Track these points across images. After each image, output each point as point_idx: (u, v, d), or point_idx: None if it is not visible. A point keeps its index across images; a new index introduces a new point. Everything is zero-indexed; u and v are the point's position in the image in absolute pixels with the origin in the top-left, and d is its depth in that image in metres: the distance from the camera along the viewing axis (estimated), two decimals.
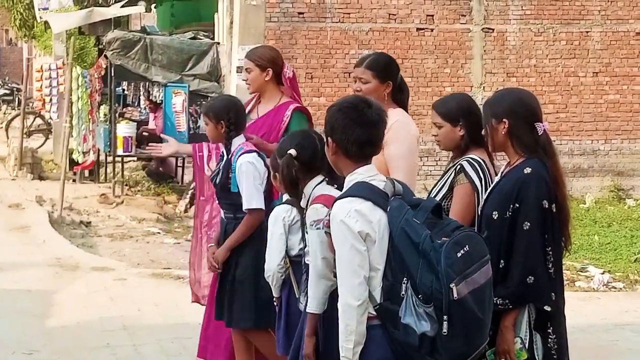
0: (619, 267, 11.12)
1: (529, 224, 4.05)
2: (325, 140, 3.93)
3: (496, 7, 16.44)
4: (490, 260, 3.70)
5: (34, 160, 18.40)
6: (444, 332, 3.53)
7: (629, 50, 16.75)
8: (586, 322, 8.08)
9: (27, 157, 18.38)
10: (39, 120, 24.22)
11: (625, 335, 7.71)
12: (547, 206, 4.05)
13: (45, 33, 24.05)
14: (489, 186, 4.43)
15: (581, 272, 10.85)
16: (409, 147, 5.15)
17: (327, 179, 4.47)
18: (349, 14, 16.15)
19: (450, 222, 3.76)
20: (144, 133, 16.24)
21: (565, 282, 10.42)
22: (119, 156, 15.66)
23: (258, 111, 5.92)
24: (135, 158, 17.15)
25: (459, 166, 4.60)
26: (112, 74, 15.50)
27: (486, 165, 4.60)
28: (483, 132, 4.32)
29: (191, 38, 16.35)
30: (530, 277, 4.02)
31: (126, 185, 15.91)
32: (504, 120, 4.18)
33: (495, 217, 4.13)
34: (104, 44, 16.16)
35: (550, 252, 4.07)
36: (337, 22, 16.12)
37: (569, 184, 16.62)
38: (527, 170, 4.13)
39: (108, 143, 15.62)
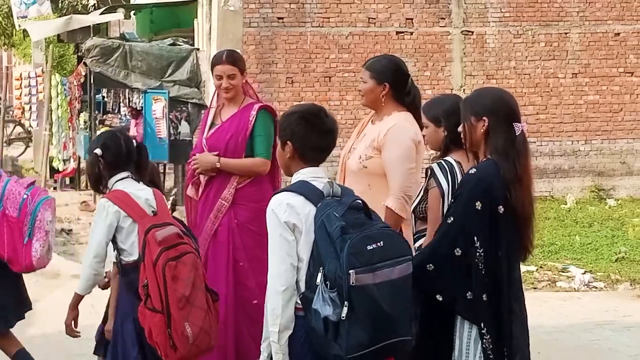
0: (600, 266, 11.18)
1: (452, 218, 4.13)
2: (281, 143, 4.12)
3: (475, 10, 16.50)
4: (411, 260, 3.86)
5: (14, 168, 18.37)
6: (343, 317, 3.71)
7: (607, 51, 16.83)
8: (567, 322, 8.12)
9: (8, 165, 18.35)
10: (19, 129, 24.14)
11: (606, 335, 7.73)
12: (479, 207, 4.05)
13: (24, 41, 23.99)
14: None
15: (562, 272, 10.90)
16: (404, 152, 5.15)
17: (132, 175, 5.01)
18: (329, 18, 16.17)
19: (378, 223, 3.93)
20: None
21: (546, 283, 10.50)
22: None
23: (221, 116, 5.93)
24: None
25: (429, 170, 4.67)
26: (92, 81, 15.47)
27: (461, 167, 4.62)
28: (459, 129, 4.32)
29: (171, 44, 16.32)
30: (430, 265, 4.11)
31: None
32: (483, 118, 4.18)
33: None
34: (83, 51, 16.11)
35: (481, 252, 4.05)
36: (316, 27, 16.13)
37: (549, 184, 16.84)
38: (472, 170, 4.20)
39: (88, 150, 15.56)
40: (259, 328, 5.82)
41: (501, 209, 4.07)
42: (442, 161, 4.67)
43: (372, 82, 5.28)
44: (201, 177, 5.87)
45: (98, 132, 15.16)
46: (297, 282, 3.91)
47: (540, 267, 11.01)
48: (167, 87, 15.07)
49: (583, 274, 10.69)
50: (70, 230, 13.19)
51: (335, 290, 3.72)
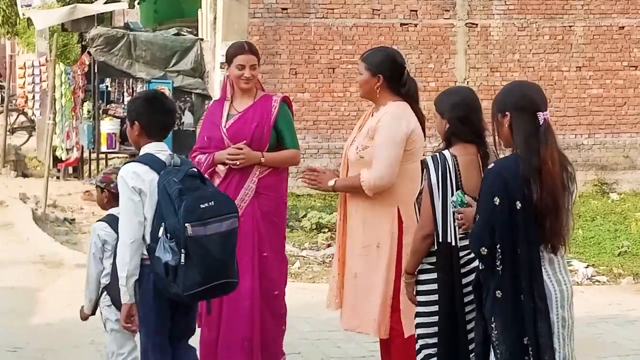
0: (603, 260, 11.18)
1: (478, 216, 4.19)
2: (130, 123, 4.94)
3: (479, 2, 16.47)
4: (237, 217, 4.67)
5: (17, 157, 18.33)
6: (182, 262, 4.50)
7: (612, 45, 16.81)
8: None
9: (11, 154, 18.31)
10: (22, 118, 24.11)
11: (609, 329, 7.73)
12: (497, 203, 4.07)
13: (28, 30, 23.96)
14: (452, 181, 4.60)
15: None
16: (394, 139, 5.26)
17: None
18: (333, 9, 16.15)
19: (210, 187, 4.83)
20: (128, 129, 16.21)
21: None
22: (102, 153, 15.61)
23: (236, 107, 5.90)
24: (119, 155, 17.10)
25: (423, 162, 4.81)
26: (96, 71, 15.43)
27: (456, 160, 4.66)
28: (490, 127, 4.34)
29: (175, 34, 16.27)
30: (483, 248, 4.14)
31: None
32: (506, 113, 4.19)
33: None
34: (87, 40, 16.07)
35: (498, 248, 4.07)
36: (320, 18, 16.12)
37: None
38: (491, 165, 4.25)
39: (92, 140, 15.57)
40: (278, 322, 5.86)
41: (518, 204, 4.06)
42: (436, 154, 4.72)
43: (367, 74, 5.39)
44: (220, 167, 5.80)
45: (102, 122, 15.20)
46: (143, 236, 4.73)
47: None
48: (171, 77, 15.04)
49: (586, 268, 10.69)
50: (73, 219, 13.19)
51: (174, 240, 4.52)
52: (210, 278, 4.56)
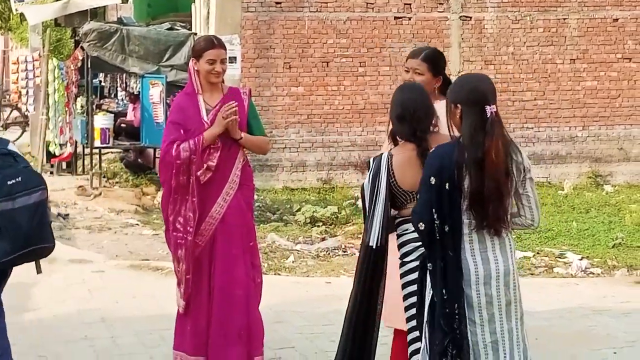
0: (597, 252, 11.19)
1: (419, 195, 4.53)
2: None
3: None
4: (45, 189, 4.83)
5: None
6: None
7: (606, 37, 16.81)
8: (564, 307, 8.12)
9: None
10: (15, 113, 24.10)
11: (604, 321, 7.73)
12: (433, 182, 4.39)
13: (21, 25, 23.94)
14: (381, 182, 4.83)
15: (560, 258, 10.90)
16: None
17: None
18: (327, 3, 16.13)
19: (21, 164, 4.91)
20: (122, 124, 16.18)
21: (543, 269, 10.51)
22: (96, 148, 15.58)
23: (207, 101, 5.91)
24: (112, 150, 17.08)
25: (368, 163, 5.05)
26: (89, 66, 15.39)
27: (390, 160, 4.86)
28: (447, 118, 4.57)
29: (168, 29, 16.26)
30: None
31: (104, 177, 15.83)
32: (457, 105, 4.46)
33: None
34: (80, 35, 16.04)
35: (438, 224, 4.38)
36: (314, 12, 16.09)
37: (547, 170, 16.83)
38: (433, 149, 4.58)
39: (85, 135, 15.54)
40: (258, 310, 5.94)
41: (447, 186, 4.37)
42: (378, 155, 4.96)
43: (429, 75, 5.42)
44: (211, 160, 5.81)
45: (96, 117, 15.17)
46: None
47: (537, 253, 11.01)
48: (164, 72, 15.02)
49: (580, 260, 10.69)
50: (67, 215, 13.17)
51: None
52: (20, 247, 4.87)
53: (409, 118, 4.85)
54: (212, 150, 5.79)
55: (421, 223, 4.42)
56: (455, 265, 4.38)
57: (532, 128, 16.55)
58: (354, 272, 5.06)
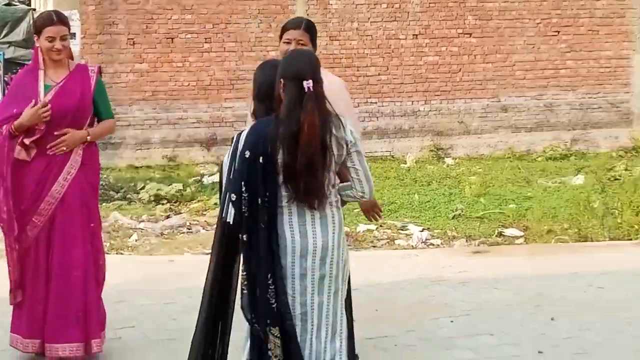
0: (438, 224, 11.47)
1: (233, 168, 4.58)
2: None
3: None
4: None
5: None
6: None
7: (447, 13, 17.16)
8: (404, 279, 8.26)
9: None
10: None
11: (442, 291, 7.91)
12: (247, 156, 4.46)
13: None
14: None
15: (402, 230, 11.13)
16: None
17: None
18: None
19: None
20: None
21: (385, 241, 10.65)
22: None
23: (51, 78, 5.78)
24: None
25: None
26: None
27: (239, 137, 4.82)
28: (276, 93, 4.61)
29: (5, 4, 15.79)
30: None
31: None
32: (280, 80, 4.53)
33: None
34: None
35: (246, 197, 4.46)
36: None
37: (390, 144, 17.07)
38: (253, 123, 4.65)
39: None
40: (99, 291, 5.87)
41: (261, 159, 4.43)
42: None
43: (311, 45, 5.44)
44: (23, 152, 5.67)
45: None
46: None
47: (380, 226, 11.18)
48: (1, 49, 14.61)
49: (421, 231, 10.94)
50: None
51: None
52: None
53: (264, 98, 4.82)
54: (36, 131, 5.67)
55: (233, 194, 4.48)
56: (267, 237, 4.44)
57: (376, 103, 16.79)
58: (211, 248, 5.04)
